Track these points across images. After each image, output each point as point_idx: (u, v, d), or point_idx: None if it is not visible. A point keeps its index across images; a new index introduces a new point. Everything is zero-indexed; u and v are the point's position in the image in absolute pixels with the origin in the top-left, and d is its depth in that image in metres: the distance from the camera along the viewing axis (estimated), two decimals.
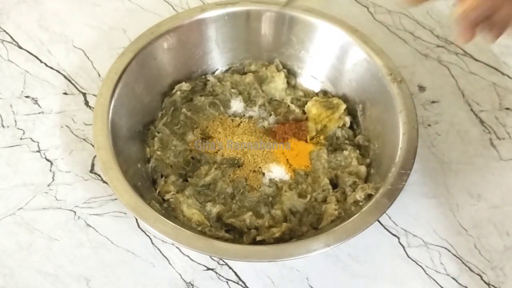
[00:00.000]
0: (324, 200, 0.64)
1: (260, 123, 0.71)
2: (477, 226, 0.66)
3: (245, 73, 0.75)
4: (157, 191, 0.64)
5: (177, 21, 0.70)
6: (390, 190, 0.58)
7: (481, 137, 0.73)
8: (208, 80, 0.73)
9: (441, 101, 0.76)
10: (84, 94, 0.75)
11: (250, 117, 0.71)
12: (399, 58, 0.76)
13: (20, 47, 0.79)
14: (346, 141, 0.69)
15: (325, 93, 0.74)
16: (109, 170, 0.58)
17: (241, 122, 0.71)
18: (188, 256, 0.63)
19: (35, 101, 0.74)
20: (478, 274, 0.63)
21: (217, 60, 0.75)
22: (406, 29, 0.83)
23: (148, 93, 0.69)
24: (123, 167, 0.59)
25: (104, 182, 0.67)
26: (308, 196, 0.64)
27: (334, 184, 0.66)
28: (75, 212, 0.65)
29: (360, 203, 0.60)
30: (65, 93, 0.75)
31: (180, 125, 0.70)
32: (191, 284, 0.61)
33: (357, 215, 0.57)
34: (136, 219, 0.64)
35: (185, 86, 0.71)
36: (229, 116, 0.71)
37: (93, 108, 0.71)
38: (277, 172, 0.66)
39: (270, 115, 0.72)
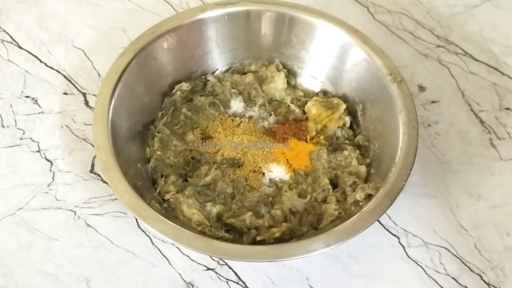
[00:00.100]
0: (324, 200, 0.64)
1: (260, 123, 0.71)
2: (477, 226, 0.66)
3: (245, 73, 0.75)
4: (157, 191, 0.64)
5: (177, 21, 0.70)
6: (390, 190, 0.58)
7: (481, 137, 0.73)
8: (208, 80, 0.73)
9: (441, 101, 0.76)
10: (84, 94, 0.75)
11: (250, 117, 0.71)
12: (399, 58, 0.76)
13: (20, 47, 0.79)
14: (346, 141, 0.69)
15: (325, 93, 0.74)
16: (109, 170, 0.58)
17: (241, 122, 0.71)
18: (188, 256, 0.63)
19: (35, 101, 0.74)
20: (478, 274, 0.63)
21: (217, 60, 0.75)
22: (406, 29, 0.83)
23: (148, 93, 0.69)
24: (123, 167, 0.59)
25: (104, 182, 0.67)
26: (308, 196, 0.64)
27: (334, 184, 0.66)
28: (75, 212, 0.65)
29: (360, 203, 0.60)
30: (65, 93, 0.75)
31: (180, 125, 0.70)
32: (191, 284, 0.61)
33: (357, 215, 0.57)
34: (136, 219, 0.64)
35: (185, 86, 0.71)
36: (229, 116, 0.71)
37: (93, 108, 0.71)
38: (277, 172, 0.66)
39: (270, 115, 0.72)
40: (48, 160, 0.69)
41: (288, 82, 0.74)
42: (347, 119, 0.71)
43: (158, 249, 0.63)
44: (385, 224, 0.66)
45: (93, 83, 0.76)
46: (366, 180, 0.65)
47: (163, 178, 0.65)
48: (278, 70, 0.74)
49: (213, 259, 0.63)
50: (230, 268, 0.62)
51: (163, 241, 0.63)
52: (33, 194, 0.66)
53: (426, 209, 0.67)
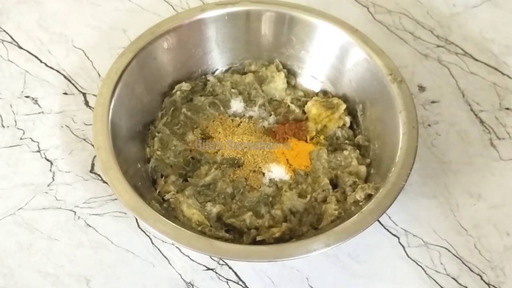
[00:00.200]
0: (324, 200, 0.64)
1: (260, 123, 0.71)
2: (477, 226, 0.66)
3: (245, 73, 0.75)
4: (157, 191, 0.64)
5: (177, 21, 0.70)
6: (390, 190, 0.58)
7: (481, 137, 0.73)
8: (208, 80, 0.73)
9: (441, 101, 0.76)
10: (84, 94, 0.75)
11: (250, 117, 0.71)
12: (399, 58, 0.76)
13: (20, 47, 0.79)
14: (346, 141, 0.69)
15: (325, 93, 0.74)
16: (109, 170, 0.58)
17: (241, 122, 0.71)
18: (188, 256, 0.63)
19: (35, 101, 0.74)
20: (478, 274, 0.63)
21: (217, 60, 0.75)
22: (406, 29, 0.83)
23: (148, 93, 0.69)
24: (123, 167, 0.59)
25: (104, 182, 0.67)
26: (308, 196, 0.64)
27: (334, 184, 0.66)
28: (75, 212, 0.65)
29: (360, 203, 0.60)
30: (65, 93, 0.75)
31: (180, 125, 0.70)
32: (191, 284, 0.61)
33: (357, 215, 0.57)
34: (136, 219, 0.64)
35: (185, 86, 0.71)
36: (229, 116, 0.71)
37: (93, 108, 0.71)
38: (277, 172, 0.66)
39: (270, 115, 0.72)
40: (48, 160, 0.69)
41: (288, 82, 0.74)
42: (347, 119, 0.71)
43: (158, 249, 0.63)
44: (385, 224, 0.66)
45: (93, 83, 0.76)
46: (366, 180, 0.65)
47: (163, 178, 0.65)
48: (278, 70, 0.74)
49: (213, 259, 0.63)
50: (230, 268, 0.62)
51: (163, 241, 0.63)
52: (33, 194, 0.66)
53: (426, 209, 0.67)
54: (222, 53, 0.74)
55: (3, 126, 0.72)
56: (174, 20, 0.70)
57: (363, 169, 0.65)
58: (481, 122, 0.74)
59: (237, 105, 0.72)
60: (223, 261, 0.63)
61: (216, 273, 0.62)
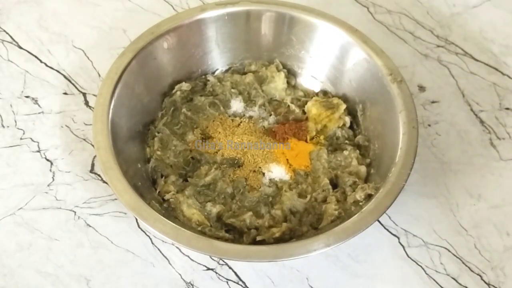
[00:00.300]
0: (324, 200, 0.64)
1: (260, 123, 0.71)
2: (477, 226, 0.66)
3: (245, 73, 0.75)
4: (157, 191, 0.64)
5: (177, 21, 0.70)
6: (390, 190, 0.58)
7: (481, 137, 0.73)
8: (208, 80, 0.73)
9: (441, 101, 0.76)
10: (84, 94, 0.75)
11: (250, 117, 0.71)
12: (399, 58, 0.76)
13: (20, 47, 0.79)
14: (346, 141, 0.69)
15: (325, 93, 0.74)
16: (109, 170, 0.58)
17: (241, 122, 0.71)
18: (188, 256, 0.63)
19: (35, 101, 0.74)
20: (478, 274, 0.63)
21: (217, 60, 0.75)
22: (406, 29, 0.83)
23: (148, 93, 0.69)
24: (123, 167, 0.59)
25: (104, 182, 0.67)
26: (308, 196, 0.64)
27: (334, 184, 0.66)
28: (75, 212, 0.65)
29: (360, 203, 0.60)
30: (65, 93, 0.75)
31: (180, 125, 0.70)
32: (191, 284, 0.61)
33: (357, 215, 0.57)
34: (136, 219, 0.64)
35: (185, 86, 0.71)
36: (229, 116, 0.71)
37: (93, 108, 0.71)
38: (277, 172, 0.66)
39: (270, 115, 0.72)
40: (48, 160, 0.69)
41: (288, 82, 0.74)
42: (347, 119, 0.71)
43: (158, 249, 0.63)
44: (385, 224, 0.66)
45: (93, 83, 0.76)
46: (366, 180, 0.65)
47: (163, 178, 0.65)
48: (278, 70, 0.74)
49: (213, 259, 0.63)
50: (230, 268, 0.62)
51: (163, 241, 0.63)
52: (33, 194, 0.66)
53: (426, 209, 0.67)
54: (222, 53, 0.74)
55: (3, 126, 0.72)
56: (174, 20, 0.70)
57: (363, 169, 0.65)
58: (481, 122, 0.74)
59: (237, 105, 0.72)
60: (223, 261, 0.63)
61: (216, 273, 0.62)
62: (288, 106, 0.73)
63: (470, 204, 0.68)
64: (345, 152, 0.67)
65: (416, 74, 0.78)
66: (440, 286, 0.62)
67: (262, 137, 0.69)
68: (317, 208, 0.63)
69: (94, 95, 0.74)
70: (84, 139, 0.71)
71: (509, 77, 0.79)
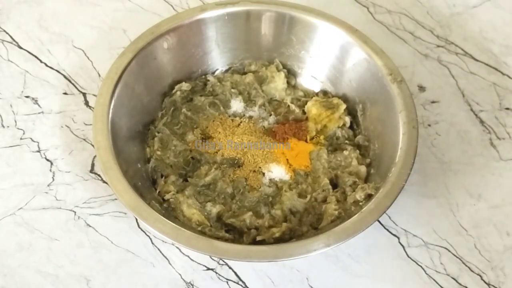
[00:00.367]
0: (324, 200, 0.64)
1: (260, 123, 0.71)
2: (477, 226, 0.66)
3: (245, 73, 0.75)
4: (157, 191, 0.64)
5: (177, 21, 0.70)
6: (390, 190, 0.58)
7: (481, 137, 0.73)
8: (208, 80, 0.73)
9: (441, 101, 0.76)
10: (84, 94, 0.75)
11: (250, 117, 0.71)
12: (399, 58, 0.76)
13: (20, 47, 0.79)
14: (346, 141, 0.69)
15: (325, 93, 0.74)
16: (109, 170, 0.58)
17: (241, 122, 0.71)
18: (188, 256, 0.63)
19: (35, 101, 0.74)
20: (478, 274, 0.63)
21: (217, 60, 0.75)
22: (406, 29, 0.83)
23: (148, 93, 0.69)
24: (123, 167, 0.59)
25: (104, 182, 0.67)
26: (308, 196, 0.64)
27: (334, 184, 0.66)
28: (75, 212, 0.65)
29: (360, 203, 0.60)
30: (65, 93, 0.75)
31: (180, 125, 0.70)
32: (191, 284, 0.61)
33: (357, 215, 0.57)
34: (136, 219, 0.64)
35: (185, 86, 0.71)
36: (229, 116, 0.71)
37: (93, 108, 0.71)
38: (277, 172, 0.66)
39: (270, 115, 0.72)
40: (48, 160, 0.69)
41: (288, 82, 0.74)
42: (347, 119, 0.71)
43: (158, 249, 0.63)
44: (385, 224, 0.66)
45: (93, 83, 0.76)
46: (366, 180, 0.65)
47: (163, 178, 0.65)
48: (278, 70, 0.74)
49: (213, 259, 0.63)
50: (230, 268, 0.62)
51: (163, 241, 0.63)
52: (33, 194, 0.66)
53: (426, 209, 0.67)
54: (222, 53, 0.74)
55: (3, 126, 0.72)
56: (174, 20, 0.70)
57: (363, 169, 0.65)
58: (481, 122, 0.74)
59: (237, 105, 0.72)
60: (223, 261, 0.63)
61: (216, 273, 0.62)
62: (288, 106, 0.73)
63: (470, 204, 0.68)
64: (345, 152, 0.67)
65: (416, 74, 0.78)
66: (440, 286, 0.62)
67: (262, 137, 0.69)
68: (317, 208, 0.63)
69: (94, 95, 0.74)
70: (84, 139, 0.71)
71: (509, 77, 0.79)
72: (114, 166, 0.58)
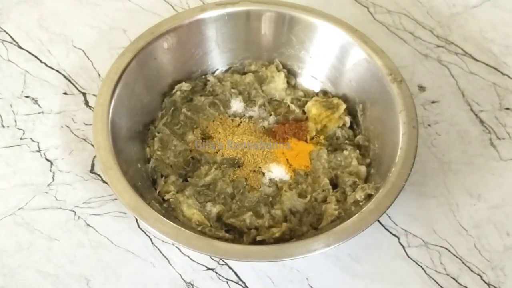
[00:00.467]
0: (324, 200, 0.64)
1: (260, 123, 0.71)
2: (477, 226, 0.66)
3: (245, 73, 0.75)
4: (157, 191, 0.64)
5: (177, 21, 0.70)
6: (390, 190, 0.58)
7: (481, 137, 0.73)
8: (208, 80, 0.73)
9: (441, 101, 0.76)
10: (84, 94, 0.75)
11: (250, 117, 0.71)
12: (399, 58, 0.76)
13: (20, 47, 0.79)
14: (346, 141, 0.69)
15: (325, 93, 0.74)
16: (109, 170, 0.58)
17: (241, 122, 0.71)
18: (188, 256, 0.63)
19: (35, 101, 0.74)
20: (478, 274, 0.63)
21: (217, 60, 0.75)
22: (406, 29, 0.83)
23: (148, 93, 0.69)
24: (123, 167, 0.59)
25: (104, 182, 0.67)
26: (308, 196, 0.64)
27: (334, 184, 0.66)
28: (75, 212, 0.65)
29: (360, 203, 0.60)
30: (65, 93, 0.75)
31: (180, 125, 0.70)
32: (191, 284, 0.61)
33: (357, 215, 0.57)
34: (136, 219, 0.64)
35: (185, 86, 0.71)
36: (229, 116, 0.71)
37: (93, 108, 0.71)
38: (277, 172, 0.66)
39: (270, 115, 0.72)
40: (48, 160, 0.69)
41: (288, 82, 0.74)
42: (347, 119, 0.71)
43: (158, 249, 0.63)
44: (385, 224, 0.66)
45: (93, 83, 0.76)
46: (366, 180, 0.65)
47: (163, 178, 0.65)
48: (278, 70, 0.74)
49: (213, 259, 0.63)
50: (230, 268, 0.62)
51: (163, 241, 0.63)
52: (33, 194, 0.66)
53: (426, 209, 0.67)
54: (222, 53, 0.74)
55: (3, 126, 0.72)
56: (174, 20, 0.70)
57: (363, 169, 0.65)
58: (481, 122, 0.74)
59: (237, 105, 0.72)
60: (223, 261, 0.63)
61: (216, 273, 0.62)
62: (288, 106, 0.73)
63: (470, 204, 0.68)
64: (345, 152, 0.67)
65: (416, 74, 0.78)
66: (440, 286, 0.62)
67: (262, 137, 0.69)
68: (317, 208, 0.63)
69: (94, 95, 0.74)
70: (84, 139, 0.71)
71: (509, 77, 0.79)
72: (114, 166, 0.58)
